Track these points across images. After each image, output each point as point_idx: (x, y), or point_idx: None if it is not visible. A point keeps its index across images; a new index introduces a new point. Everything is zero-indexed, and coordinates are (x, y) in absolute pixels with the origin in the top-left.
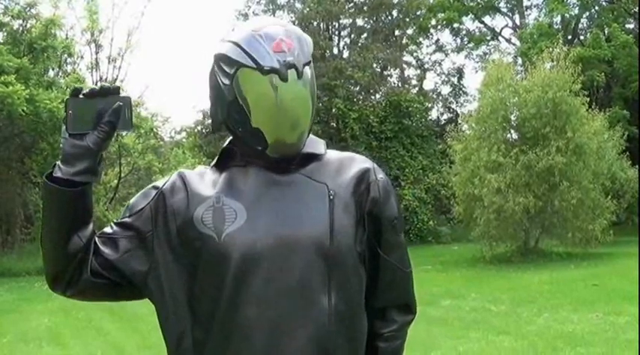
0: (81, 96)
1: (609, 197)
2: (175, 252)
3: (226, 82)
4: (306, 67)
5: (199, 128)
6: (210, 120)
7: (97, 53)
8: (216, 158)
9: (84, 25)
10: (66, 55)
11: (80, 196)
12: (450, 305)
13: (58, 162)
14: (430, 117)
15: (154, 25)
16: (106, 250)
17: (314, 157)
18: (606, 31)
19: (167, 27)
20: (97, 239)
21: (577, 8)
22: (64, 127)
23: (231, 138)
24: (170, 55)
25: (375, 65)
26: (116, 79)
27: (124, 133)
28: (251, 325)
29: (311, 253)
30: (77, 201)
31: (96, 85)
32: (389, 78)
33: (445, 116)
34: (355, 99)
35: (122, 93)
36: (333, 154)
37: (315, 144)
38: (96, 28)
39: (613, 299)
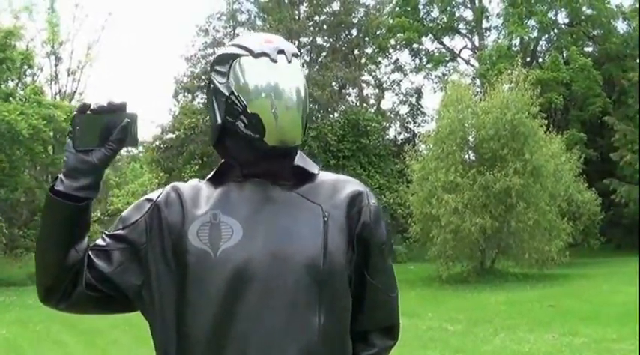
0: (88, 112)
1: (565, 219)
2: (169, 266)
3: (222, 80)
4: (294, 58)
5: (157, 143)
6: (167, 136)
7: (56, 65)
8: (212, 172)
9: (44, 37)
10: (26, 67)
11: (82, 211)
12: (407, 325)
13: (61, 176)
14: (388, 137)
15: (114, 39)
16: (99, 263)
17: (308, 176)
18: (565, 54)
19: (127, 41)
20: (90, 252)
21: (536, 31)
22: (69, 142)
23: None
24: (129, 69)
25: (334, 84)
26: (75, 92)
27: (129, 149)
28: (244, 339)
29: (303, 273)
30: (79, 215)
31: (55, 97)
32: (347, 97)
33: (403, 135)
34: (314, 118)
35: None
36: (327, 176)
37: (309, 164)
38: (56, 40)
39: (569, 320)
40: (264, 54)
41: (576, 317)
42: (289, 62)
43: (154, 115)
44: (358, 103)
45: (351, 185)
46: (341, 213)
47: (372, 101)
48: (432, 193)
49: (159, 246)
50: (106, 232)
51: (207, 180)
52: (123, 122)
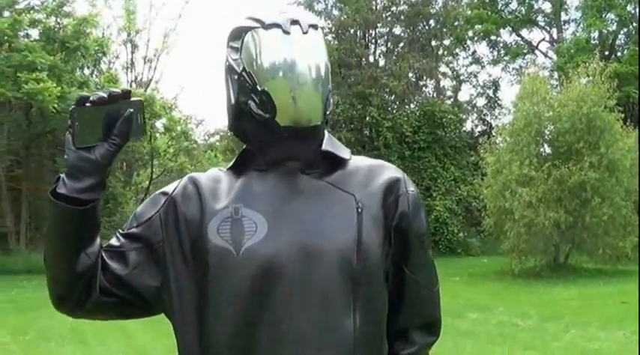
0: (87, 104)
1: None
2: (188, 265)
3: (235, 56)
4: (312, 29)
5: None
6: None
7: (132, 53)
8: (233, 160)
9: (120, 25)
10: (100, 54)
11: (88, 214)
12: (477, 319)
13: (63, 177)
14: (464, 129)
15: (191, 27)
16: (114, 265)
17: (339, 162)
18: None
19: (204, 29)
20: (103, 253)
21: (615, 24)
22: (69, 139)
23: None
24: (206, 57)
25: (410, 74)
26: (151, 80)
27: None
28: (273, 345)
29: (336, 270)
30: (85, 218)
31: (131, 85)
32: (424, 88)
33: (479, 128)
34: (389, 108)
35: (132, 98)
36: (360, 161)
37: (340, 148)
38: (133, 28)
39: None
40: (275, 25)
41: None
42: (305, 33)
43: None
44: (435, 95)
45: (387, 171)
46: (376, 202)
47: (448, 93)
48: (506, 186)
49: (176, 244)
50: (120, 231)
51: (228, 169)
52: (126, 113)
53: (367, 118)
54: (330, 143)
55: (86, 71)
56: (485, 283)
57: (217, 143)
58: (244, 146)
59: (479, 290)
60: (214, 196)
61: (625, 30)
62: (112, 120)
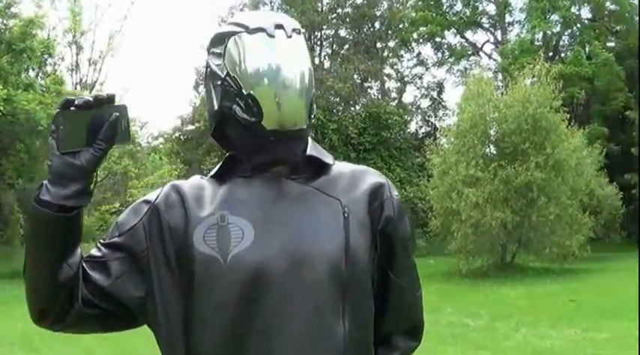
0: (72, 108)
1: (587, 213)
2: (173, 274)
3: (218, 62)
4: (295, 34)
5: (177, 134)
6: (187, 127)
7: (77, 55)
8: (216, 167)
9: (66, 26)
10: (46, 56)
11: (73, 221)
12: (427, 320)
13: (46, 183)
14: (409, 130)
15: (136, 29)
16: (96, 276)
17: (323, 167)
18: (587, 49)
19: (149, 32)
20: (84, 264)
21: (559, 25)
22: (53, 144)
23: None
24: (151, 60)
25: (355, 76)
26: (96, 82)
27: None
28: (263, 353)
29: (325, 276)
30: (69, 226)
31: (76, 87)
32: (369, 90)
33: (424, 129)
34: (335, 110)
35: (117, 102)
36: (344, 167)
37: (323, 154)
38: (78, 29)
39: (591, 316)
40: (260, 29)
41: (599, 312)
42: (289, 37)
43: (174, 106)
44: (380, 97)
45: (370, 176)
46: (361, 207)
47: (393, 94)
48: (452, 187)
49: (161, 253)
50: (101, 241)
51: (211, 176)
52: (111, 117)
53: (312, 120)
54: (315, 148)
55: (31, 73)
56: (432, 284)
57: (161, 146)
58: (227, 153)
59: (426, 290)
60: (199, 204)
61: (569, 31)
62: (97, 124)
